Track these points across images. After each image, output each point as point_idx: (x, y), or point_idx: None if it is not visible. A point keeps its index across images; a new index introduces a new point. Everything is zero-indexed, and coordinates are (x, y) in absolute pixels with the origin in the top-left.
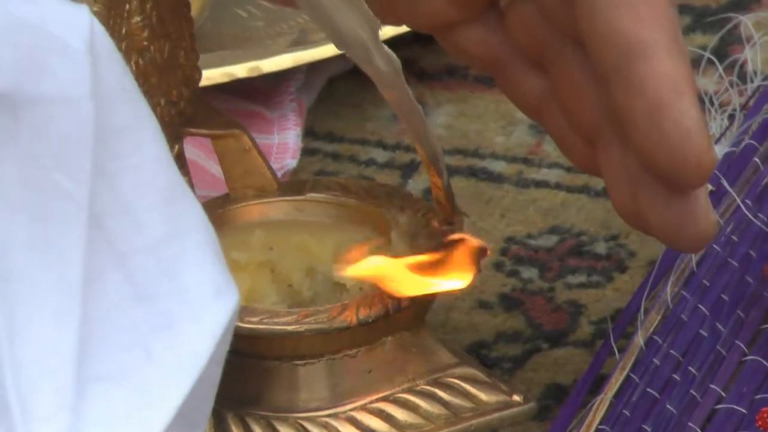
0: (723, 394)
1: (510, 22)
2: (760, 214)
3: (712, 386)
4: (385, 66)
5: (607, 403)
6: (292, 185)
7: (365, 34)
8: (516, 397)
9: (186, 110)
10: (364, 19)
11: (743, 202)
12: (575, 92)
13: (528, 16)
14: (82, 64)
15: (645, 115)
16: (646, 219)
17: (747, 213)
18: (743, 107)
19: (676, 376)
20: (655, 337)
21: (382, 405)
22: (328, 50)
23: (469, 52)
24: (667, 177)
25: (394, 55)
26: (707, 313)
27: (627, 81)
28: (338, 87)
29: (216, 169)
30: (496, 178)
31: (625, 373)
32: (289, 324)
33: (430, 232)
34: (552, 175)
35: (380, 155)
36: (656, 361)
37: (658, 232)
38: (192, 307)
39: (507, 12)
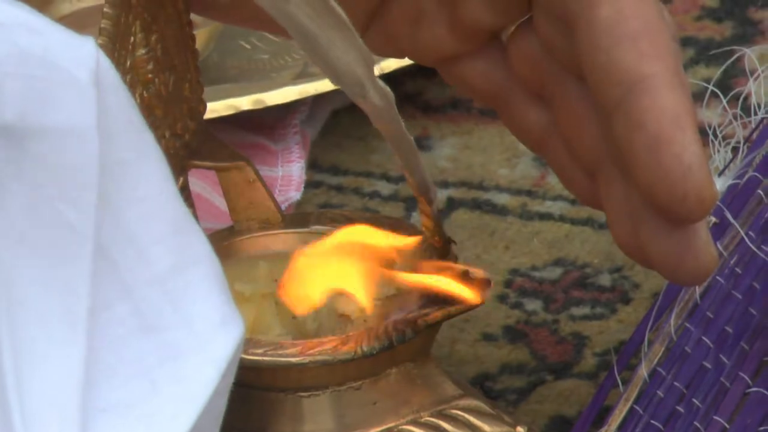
0: (727, 425)
1: (512, 55)
2: (764, 247)
3: (716, 418)
4: (379, 100)
5: None
6: (296, 217)
7: (360, 70)
8: (520, 429)
9: (191, 143)
10: (360, 54)
11: (747, 234)
12: (577, 125)
13: (530, 49)
14: (88, 95)
15: (645, 149)
16: (647, 252)
17: (751, 245)
18: (747, 140)
19: (680, 408)
20: (659, 369)
21: None
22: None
23: (471, 84)
24: (668, 211)
25: (388, 89)
26: (711, 345)
27: (628, 115)
28: (342, 120)
29: (220, 202)
30: (501, 211)
31: (629, 404)
32: (294, 356)
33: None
34: (556, 208)
35: (384, 188)
36: (660, 392)
37: (659, 266)
38: (197, 338)
39: (509, 45)
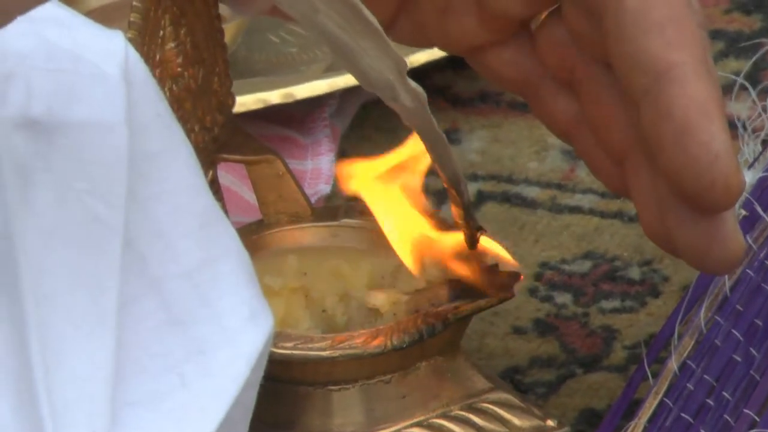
0: (757, 418)
1: (541, 44)
2: None
3: (746, 411)
4: (410, 102)
5: (641, 428)
6: (325, 211)
7: (392, 75)
8: (550, 422)
9: (220, 136)
10: (391, 59)
11: None
12: (604, 114)
13: (558, 38)
14: (117, 89)
15: (673, 138)
16: (675, 241)
17: None
18: None
19: (709, 401)
20: (689, 362)
21: (416, 430)
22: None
23: (500, 73)
24: (695, 200)
25: (420, 89)
26: (741, 338)
27: (655, 104)
28: (371, 113)
29: (250, 195)
30: (530, 204)
31: (659, 397)
32: (324, 349)
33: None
34: (586, 201)
35: None
36: (690, 385)
37: (686, 254)
38: (226, 332)
39: (537, 34)
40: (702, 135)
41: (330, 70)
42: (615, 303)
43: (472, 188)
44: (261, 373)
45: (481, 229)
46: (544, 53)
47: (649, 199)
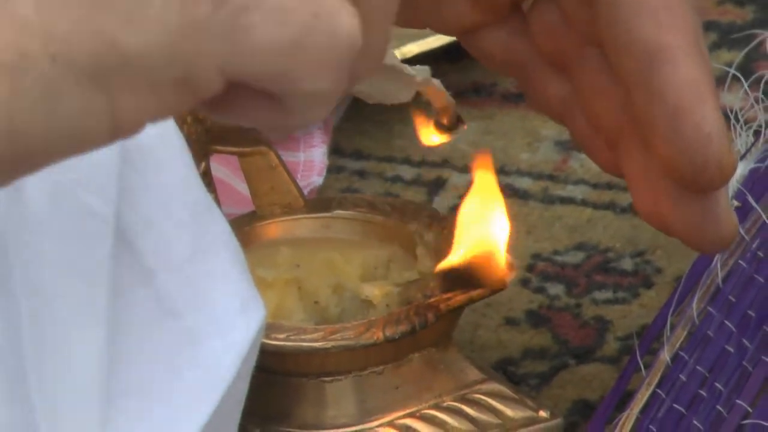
0: (749, 409)
1: (533, 26)
2: None
3: (739, 402)
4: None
5: (633, 419)
6: (318, 202)
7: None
8: (543, 413)
9: (212, 128)
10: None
11: None
12: (597, 96)
13: (550, 20)
14: None
15: (665, 120)
16: (668, 220)
17: None
18: None
19: (702, 392)
20: (682, 353)
21: (409, 421)
22: None
23: (492, 55)
24: (688, 180)
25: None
26: (733, 329)
27: (647, 86)
28: (364, 104)
29: (242, 187)
30: (522, 195)
31: (651, 389)
32: (316, 341)
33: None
34: (578, 192)
35: (407, 172)
36: (682, 377)
37: (680, 234)
38: (218, 323)
39: (530, 16)
40: (694, 116)
41: None
42: (607, 294)
43: (465, 179)
44: (253, 365)
45: (461, 120)
46: (536, 35)
47: (642, 180)
